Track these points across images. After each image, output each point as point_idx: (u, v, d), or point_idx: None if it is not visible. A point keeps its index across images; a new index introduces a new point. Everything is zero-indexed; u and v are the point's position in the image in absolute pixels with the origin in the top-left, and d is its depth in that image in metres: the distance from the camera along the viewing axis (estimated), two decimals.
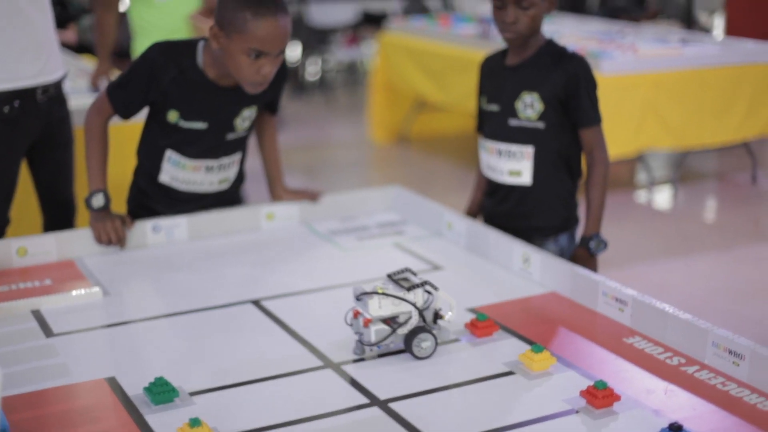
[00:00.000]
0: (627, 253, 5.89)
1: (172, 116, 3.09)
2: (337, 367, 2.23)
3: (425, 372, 2.21)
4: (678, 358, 2.25)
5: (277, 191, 3.38)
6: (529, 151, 3.12)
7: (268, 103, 3.29)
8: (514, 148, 3.13)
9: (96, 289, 2.69)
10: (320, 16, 11.71)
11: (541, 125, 3.10)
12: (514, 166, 3.14)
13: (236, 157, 3.25)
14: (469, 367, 2.23)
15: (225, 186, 3.26)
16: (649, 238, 6.24)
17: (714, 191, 7.46)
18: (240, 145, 3.24)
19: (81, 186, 4.09)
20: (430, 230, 3.20)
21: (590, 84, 3.11)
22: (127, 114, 3.13)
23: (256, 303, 2.61)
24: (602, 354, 2.29)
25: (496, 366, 2.22)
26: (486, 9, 8.72)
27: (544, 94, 3.09)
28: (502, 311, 2.53)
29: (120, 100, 3.11)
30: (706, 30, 12.16)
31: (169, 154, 3.14)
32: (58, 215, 4.07)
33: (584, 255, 3.09)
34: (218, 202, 3.27)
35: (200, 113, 3.10)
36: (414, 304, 2.26)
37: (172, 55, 3.07)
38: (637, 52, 6.87)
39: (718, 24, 13.13)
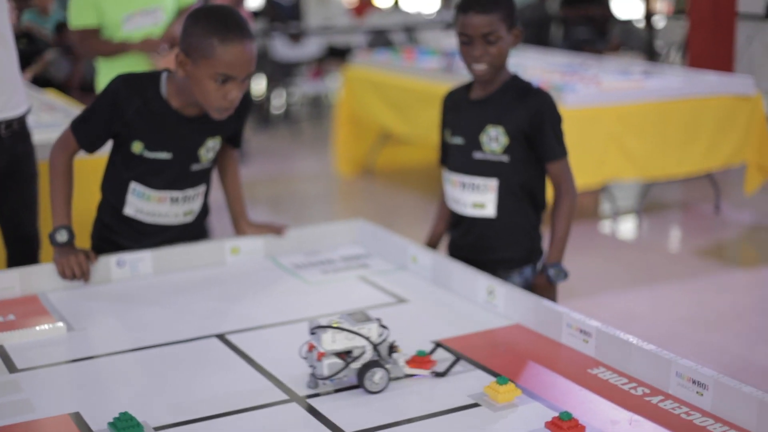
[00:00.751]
0: (592, 283, 5.92)
1: (137, 147, 3.09)
2: (302, 401, 2.23)
3: (391, 405, 2.20)
4: (642, 389, 2.26)
5: (241, 226, 3.37)
6: (493, 184, 3.14)
7: (230, 136, 3.28)
8: (478, 180, 3.15)
9: (60, 324, 2.67)
10: (285, 49, 11.73)
11: (505, 158, 3.12)
12: (478, 198, 3.16)
13: (201, 189, 3.24)
14: (435, 399, 2.23)
15: (190, 218, 3.25)
16: (614, 268, 6.27)
17: (678, 221, 7.52)
18: (204, 176, 3.24)
19: (45, 221, 4.08)
20: (395, 263, 3.21)
21: (555, 119, 3.13)
22: (92, 148, 3.12)
23: (221, 337, 2.61)
24: (567, 385, 2.30)
25: (461, 398, 2.22)
26: (449, 43, 8.79)
27: (508, 128, 3.11)
28: (466, 343, 2.53)
29: (84, 134, 3.10)
30: (668, 63, 12.27)
31: (134, 186, 3.13)
32: (21, 250, 4.06)
33: (543, 284, 3.12)
34: (183, 234, 3.26)
35: (164, 143, 3.09)
36: (368, 338, 2.26)
37: (136, 86, 3.08)
38: (600, 85, 6.92)
39: (679, 57, 13.26)
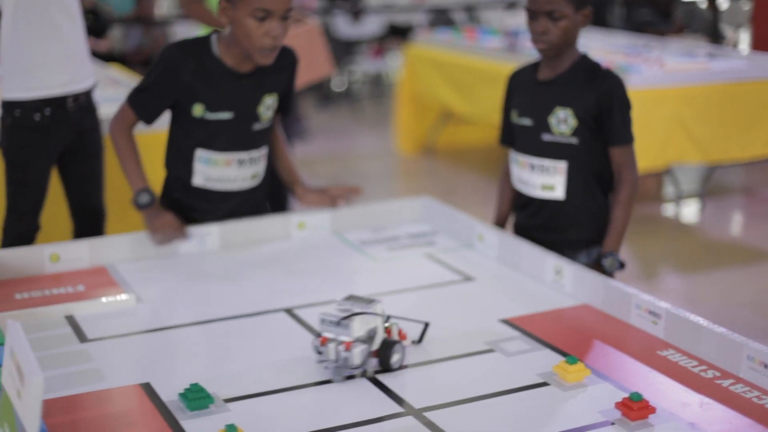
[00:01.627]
0: (654, 267, 5.88)
1: (198, 110, 3.12)
2: (370, 375, 2.23)
3: (460, 381, 2.20)
4: (713, 371, 2.24)
5: (298, 192, 3.39)
6: (562, 166, 3.11)
7: (282, 101, 3.29)
8: (548, 162, 3.13)
9: (129, 295, 2.70)
10: (345, 27, 11.73)
11: (574, 141, 3.10)
12: (547, 180, 3.14)
13: (264, 151, 3.27)
14: (503, 377, 2.22)
15: (256, 182, 3.27)
16: (677, 252, 6.22)
17: (741, 205, 7.44)
18: (266, 136, 3.27)
19: (110, 194, 4.11)
20: (461, 241, 3.20)
21: (623, 103, 3.10)
22: (150, 118, 3.17)
23: (289, 311, 2.62)
24: (636, 366, 2.29)
25: (531, 377, 2.21)
26: (512, 22, 8.75)
27: (577, 110, 3.08)
28: (534, 323, 2.53)
29: (142, 105, 3.15)
30: (733, 45, 12.14)
31: (200, 153, 3.16)
32: (88, 223, 4.10)
33: (598, 272, 3.05)
34: (249, 200, 3.29)
35: (224, 103, 3.13)
36: (381, 316, 2.26)
37: (189, 49, 3.13)
38: (664, 67, 6.85)
39: (745, 39, 13.10)
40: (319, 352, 2.25)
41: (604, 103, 3.07)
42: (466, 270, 2.95)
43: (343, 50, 11.68)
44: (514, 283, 2.85)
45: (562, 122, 3.10)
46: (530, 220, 3.22)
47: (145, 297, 2.74)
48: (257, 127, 3.20)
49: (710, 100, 6.70)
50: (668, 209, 7.24)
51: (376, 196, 7.34)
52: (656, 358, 2.32)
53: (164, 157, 3.28)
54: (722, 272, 5.86)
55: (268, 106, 3.21)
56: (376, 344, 2.25)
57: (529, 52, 6.76)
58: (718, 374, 2.23)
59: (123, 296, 2.70)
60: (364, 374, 2.25)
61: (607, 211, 3.19)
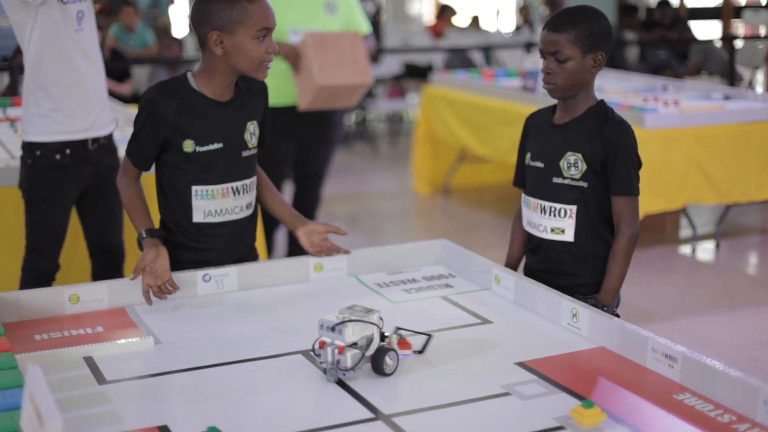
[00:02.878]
0: (671, 307, 5.88)
1: (188, 146, 3.16)
2: (387, 419, 2.24)
3: (476, 426, 2.21)
4: (729, 416, 2.24)
5: (302, 229, 3.38)
6: (572, 209, 3.13)
7: (260, 133, 3.34)
8: (558, 205, 3.15)
9: (148, 337, 2.72)
10: None
11: (584, 184, 3.11)
12: (557, 223, 3.16)
13: (254, 178, 3.32)
14: (520, 421, 2.23)
15: (251, 211, 3.32)
16: (693, 292, 6.22)
17: (757, 246, 7.44)
18: (253, 164, 3.32)
19: (130, 234, 4.14)
20: (478, 284, 3.21)
21: (628, 153, 3.11)
22: (147, 165, 3.23)
23: (306, 354, 2.63)
24: (652, 410, 2.29)
25: (546, 421, 2.22)
26: (529, 63, 8.77)
27: (586, 155, 3.11)
28: (550, 366, 2.53)
29: (136, 155, 3.21)
30: (749, 85, 12.15)
31: (196, 189, 3.20)
32: (106, 262, 4.13)
33: None
34: (245, 230, 3.33)
35: (213, 134, 3.18)
36: (377, 325, 2.47)
37: (168, 89, 3.18)
38: (680, 107, 6.88)
39: (760, 79, 13.13)
40: (318, 355, 2.45)
41: (610, 150, 3.09)
42: (483, 313, 2.96)
43: None
44: (530, 326, 2.86)
45: (573, 166, 3.12)
46: (540, 263, 3.23)
47: (164, 339, 2.76)
48: (246, 154, 3.25)
49: (726, 141, 6.72)
50: (684, 249, 7.24)
51: (393, 236, 7.37)
52: (672, 402, 2.33)
53: (157, 206, 3.31)
54: (738, 312, 5.86)
55: (251, 132, 3.26)
56: (371, 350, 2.45)
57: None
58: (734, 418, 2.23)
59: (141, 338, 2.71)
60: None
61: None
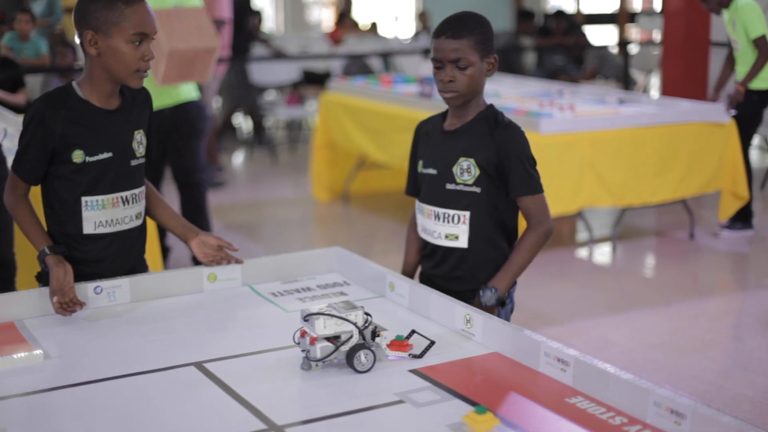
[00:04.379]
0: (568, 310, 5.94)
1: (77, 156, 3.11)
2: (280, 430, 2.22)
3: None
4: (620, 418, 2.26)
5: (195, 240, 3.33)
6: (465, 215, 3.16)
7: (147, 153, 3.31)
8: (451, 212, 3.17)
9: (37, 351, 2.66)
10: (260, 74, 11.74)
11: (477, 189, 3.14)
12: (450, 230, 3.18)
13: (143, 188, 3.28)
14: (414, 428, 2.23)
15: (141, 221, 3.28)
16: (590, 295, 6.29)
17: (653, 248, 7.55)
18: (141, 173, 3.28)
19: (20, 247, 4.07)
20: (373, 291, 3.21)
21: (522, 153, 3.14)
22: (37, 179, 3.16)
23: (199, 365, 2.60)
24: (545, 414, 2.30)
25: (440, 428, 2.22)
26: (427, 69, 8.81)
27: (478, 160, 3.13)
28: (444, 372, 2.53)
29: (25, 170, 3.14)
30: (643, 90, 12.35)
31: (85, 200, 3.14)
32: None
33: (476, 304, 3.05)
34: (137, 240, 3.29)
35: (102, 143, 3.13)
36: (355, 324, 2.51)
37: (54, 100, 3.12)
38: (576, 112, 6.96)
39: (654, 83, 13.35)
40: (298, 343, 2.55)
41: (503, 154, 3.12)
42: (377, 320, 2.95)
43: (254, 97, 11.69)
44: (424, 333, 2.85)
45: (465, 172, 3.14)
46: (435, 269, 3.25)
47: (54, 353, 2.70)
48: (134, 163, 3.22)
49: (621, 145, 6.82)
50: (581, 252, 7.33)
51: (292, 244, 7.34)
52: (565, 406, 2.34)
53: (45, 220, 3.25)
54: (635, 314, 5.94)
55: (138, 141, 3.23)
56: (349, 344, 2.50)
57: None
58: (625, 420, 2.25)
59: (31, 352, 2.66)
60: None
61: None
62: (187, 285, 3.22)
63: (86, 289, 3.07)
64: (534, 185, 3.14)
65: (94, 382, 2.52)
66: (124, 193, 3.18)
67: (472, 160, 3.13)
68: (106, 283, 3.10)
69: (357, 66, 12.45)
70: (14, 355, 2.64)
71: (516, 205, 3.20)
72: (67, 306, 2.96)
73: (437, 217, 3.19)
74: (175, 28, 5.83)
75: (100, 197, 3.14)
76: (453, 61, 3.09)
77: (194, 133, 6.28)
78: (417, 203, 3.28)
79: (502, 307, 3.11)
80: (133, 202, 3.21)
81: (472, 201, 3.15)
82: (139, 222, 3.26)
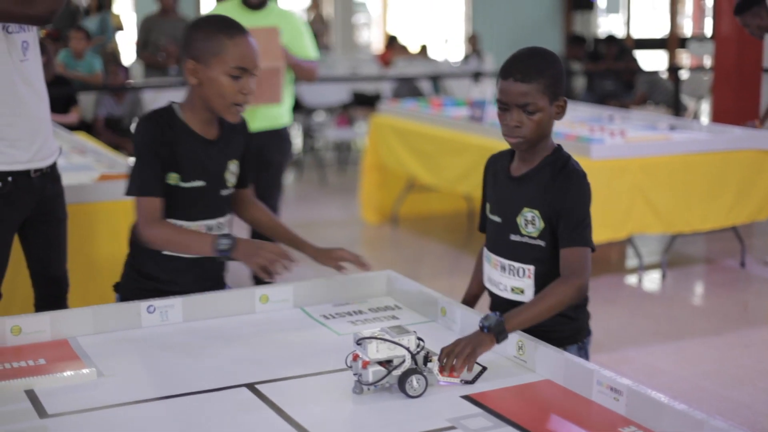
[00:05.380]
0: (617, 336, 5.90)
1: (173, 179, 3.17)
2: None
3: None
4: None
5: (311, 252, 3.44)
6: (530, 269, 2.98)
7: (242, 170, 3.36)
8: (516, 264, 3.00)
9: (90, 369, 2.68)
10: (310, 96, 11.79)
11: (542, 243, 2.96)
12: (516, 283, 3.02)
13: (228, 217, 3.33)
14: None
15: None
16: (639, 322, 6.25)
17: (703, 275, 7.50)
18: (229, 203, 3.33)
19: (72, 263, 4.10)
20: (424, 315, 3.21)
21: (577, 203, 2.92)
22: (162, 190, 3.18)
23: (251, 386, 2.61)
24: None
25: None
26: (477, 92, 8.82)
27: (543, 212, 2.94)
28: (496, 398, 2.53)
29: (151, 185, 3.15)
30: (694, 116, 12.28)
31: (171, 222, 3.20)
32: (50, 292, 4.08)
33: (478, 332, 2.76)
34: (213, 267, 3.35)
35: (198, 171, 3.19)
36: (407, 348, 2.51)
37: (160, 120, 3.18)
38: (626, 138, 6.93)
39: (705, 110, 13.27)
40: (350, 366, 2.55)
41: (558, 202, 2.92)
42: (428, 345, 2.94)
43: (306, 118, 11.75)
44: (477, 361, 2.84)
45: (530, 223, 2.96)
46: None
47: (107, 371, 2.72)
48: (224, 193, 3.27)
49: (671, 171, 6.78)
50: (630, 279, 7.29)
51: None
52: None
53: (129, 233, 3.29)
54: (684, 342, 5.89)
55: (232, 172, 3.28)
56: (401, 369, 2.50)
57: (492, 122, 6.82)
58: None
59: (84, 370, 2.68)
60: None
61: (579, 309, 3.09)
62: (239, 306, 3.23)
63: (139, 308, 3.09)
64: (579, 238, 2.90)
65: (147, 401, 2.53)
66: (209, 222, 3.24)
67: (536, 212, 2.94)
68: (158, 303, 3.11)
69: (407, 88, 12.47)
70: (67, 373, 2.66)
71: None
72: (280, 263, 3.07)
73: (503, 268, 3.04)
74: None
75: (185, 222, 3.20)
76: (521, 106, 2.89)
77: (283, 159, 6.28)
78: (484, 250, 3.14)
79: (497, 342, 2.74)
80: (217, 230, 3.26)
81: (537, 255, 2.97)
82: None
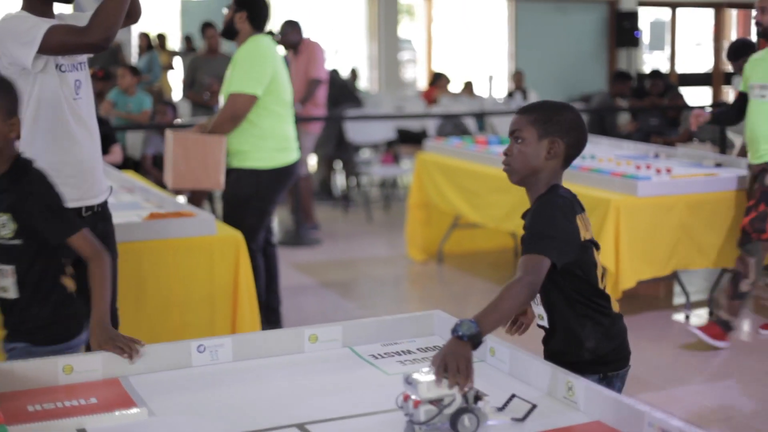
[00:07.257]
0: (665, 375, 5.87)
1: None
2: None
3: None
4: None
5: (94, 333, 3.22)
6: (537, 296, 3.08)
7: (42, 228, 3.40)
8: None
9: (141, 409, 2.71)
10: (355, 133, 11.84)
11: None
12: (540, 311, 3.14)
13: (9, 268, 3.37)
14: None
15: (9, 294, 3.39)
16: (688, 360, 6.20)
17: (749, 313, 7.43)
18: (5, 254, 3.37)
19: (123, 301, 4.13)
20: (473, 355, 3.20)
21: (538, 218, 3.00)
22: None
23: (301, 427, 2.62)
24: None
25: None
26: None
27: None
28: None
29: None
30: (739, 153, 12.20)
31: None
32: None
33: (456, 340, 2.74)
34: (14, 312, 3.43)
35: None
36: (459, 385, 2.54)
37: None
38: (672, 175, 6.91)
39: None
40: (401, 407, 2.56)
41: (526, 222, 3.05)
42: (477, 385, 2.94)
43: (351, 155, 11.80)
44: (526, 399, 2.84)
45: None
46: (545, 353, 3.17)
47: (158, 410, 2.74)
48: None
49: (717, 209, 6.75)
50: (677, 316, 7.24)
51: (387, 303, 7.36)
52: None
53: None
54: (733, 380, 5.85)
55: (2, 223, 3.33)
56: (452, 408, 2.52)
57: None
58: None
59: (135, 410, 2.70)
60: None
61: (601, 336, 3.12)
62: (288, 345, 3.24)
63: (189, 347, 3.11)
64: (534, 246, 2.93)
65: None
66: None
67: None
68: (208, 342, 3.14)
69: (451, 125, 12.49)
70: (118, 412, 2.69)
71: (579, 269, 3.03)
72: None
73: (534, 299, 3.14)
74: (186, 161, 5.89)
75: None
76: (512, 134, 3.06)
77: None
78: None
79: (474, 348, 2.71)
80: None
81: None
82: (5, 294, 3.40)
